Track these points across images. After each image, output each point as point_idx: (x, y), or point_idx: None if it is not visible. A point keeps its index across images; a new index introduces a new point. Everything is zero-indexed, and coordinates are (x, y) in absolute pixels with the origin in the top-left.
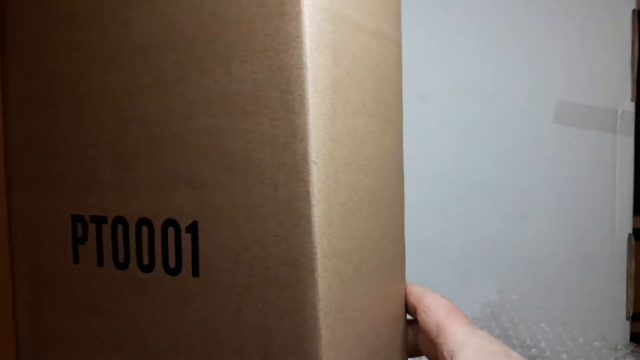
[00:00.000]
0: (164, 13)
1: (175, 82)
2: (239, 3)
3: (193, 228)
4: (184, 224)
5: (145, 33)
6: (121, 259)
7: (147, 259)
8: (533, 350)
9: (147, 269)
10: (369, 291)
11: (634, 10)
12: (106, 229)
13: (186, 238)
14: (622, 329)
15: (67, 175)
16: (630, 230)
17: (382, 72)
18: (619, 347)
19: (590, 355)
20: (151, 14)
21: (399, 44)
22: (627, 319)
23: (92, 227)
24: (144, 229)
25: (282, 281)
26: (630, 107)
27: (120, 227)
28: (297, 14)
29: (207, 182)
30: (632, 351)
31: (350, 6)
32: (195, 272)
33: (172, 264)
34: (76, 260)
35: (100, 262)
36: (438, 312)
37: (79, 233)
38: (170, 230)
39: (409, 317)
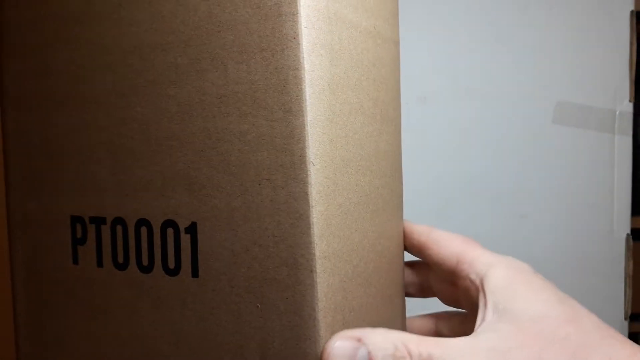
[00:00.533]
0: (160, 14)
1: (172, 83)
2: (235, 4)
3: (192, 229)
4: (183, 225)
5: (141, 34)
6: (120, 259)
7: (146, 259)
8: None
9: (147, 269)
10: (368, 291)
11: (632, 11)
12: (105, 229)
13: (185, 239)
14: (620, 328)
15: (65, 176)
16: (628, 230)
17: (378, 71)
18: None
19: None
20: (147, 14)
21: (396, 43)
22: (625, 318)
23: (91, 228)
24: (143, 230)
25: (281, 282)
26: (629, 107)
27: (119, 228)
28: (293, 15)
29: (206, 183)
30: None
31: (346, 5)
32: (195, 273)
33: (171, 264)
34: (76, 261)
35: (99, 263)
36: (454, 242)
37: (78, 234)
38: (170, 231)
39: (414, 258)
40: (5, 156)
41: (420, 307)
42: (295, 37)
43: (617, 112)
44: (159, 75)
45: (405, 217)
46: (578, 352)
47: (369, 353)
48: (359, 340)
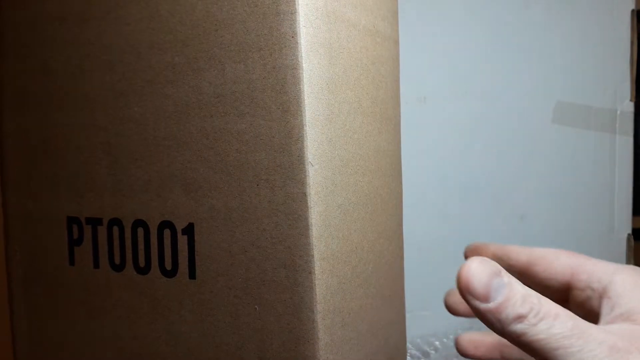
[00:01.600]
0: (158, 13)
1: (169, 82)
2: (232, 3)
3: (189, 230)
4: (179, 226)
5: (139, 33)
6: (117, 260)
7: (143, 261)
8: None
9: (144, 271)
10: (368, 292)
11: (632, 10)
12: (102, 230)
13: (182, 240)
14: None
15: (62, 176)
16: (629, 230)
17: (378, 70)
18: None
19: None
20: (144, 13)
21: (395, 41)
22: None
23: (87, 229)
24: (140, 231)
25: (279, 284)
26: (630, 107)
27: (116, 229)
28: (291, 14)
29: (203, 183)
30: None
31: (345, 4)
32: (192, 275)
33: (168, 266)
34: (72, 262)
35: (96, 264)
36: (561, 256)
37: (75, 235)
38: (167, 232)
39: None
40: (2, 156)
41: (419, 307)
42: (293, 35)
43: (618, 112)
44: (157, 75)
45: (404, 217)
46: None
47: (505, 284)
48: (499, 270)
